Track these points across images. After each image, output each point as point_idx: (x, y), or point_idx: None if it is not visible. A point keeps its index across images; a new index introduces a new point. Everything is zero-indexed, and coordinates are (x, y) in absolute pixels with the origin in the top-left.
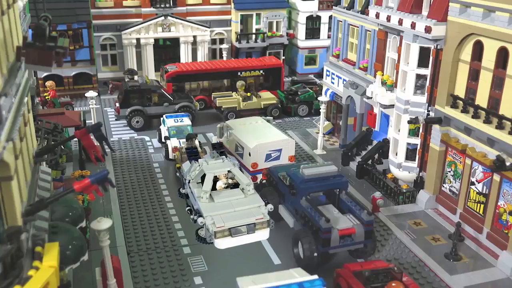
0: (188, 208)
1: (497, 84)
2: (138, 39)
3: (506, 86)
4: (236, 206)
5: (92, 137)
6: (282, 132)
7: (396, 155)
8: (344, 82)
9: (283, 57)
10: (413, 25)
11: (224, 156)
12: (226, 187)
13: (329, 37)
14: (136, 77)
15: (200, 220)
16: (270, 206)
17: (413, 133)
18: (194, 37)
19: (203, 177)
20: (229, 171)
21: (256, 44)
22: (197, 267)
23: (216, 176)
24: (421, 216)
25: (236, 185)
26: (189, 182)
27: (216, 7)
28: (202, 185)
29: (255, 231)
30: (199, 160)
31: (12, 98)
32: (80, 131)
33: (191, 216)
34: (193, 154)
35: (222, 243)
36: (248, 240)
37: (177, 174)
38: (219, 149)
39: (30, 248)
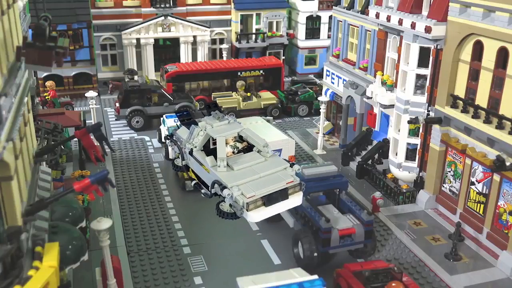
0: (195, 182)
1: (497, 84)
2: (138, 39)
3: (506, 86)
4: (260, 171)
5: (92, 137)
6: (282, 132)
7: (396, 155)
8: (344, 82)
9: (283, 57)
10: (413, 25)
11: (229, 115)
12: (237, 153)
13: (329, 37)
14: (136, 77)
15: (226, 192)
16: (297, 167)
17: (413, 133)
18: (194, 37)
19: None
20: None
21: (256, 44)
22: (197, 267)
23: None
24: (421, 216)
25: (246, 150)
26: (191, 152)
27: (216, 7)
28: (206, 153)
29: (288, 197)
30: (199, 123)
31: (12, 98)
32: (80, 131)
33: (202, 191)
34: (185, 117)
35: (255, 216)
36: (282, 208)
37: (167, 142)
38: (215, 109)
39: (30, 248)
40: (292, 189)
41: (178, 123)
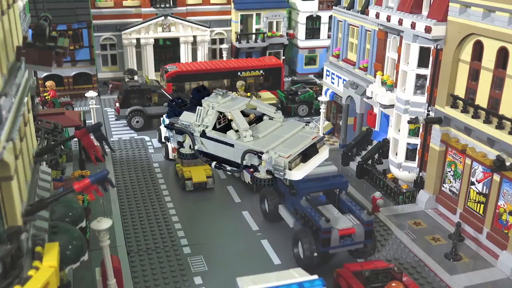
0: (215, 163)
1: (497, 84)
2: (138, 39)
3: (506, 86)
4: (283, 134)
5: (92, 137)
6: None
7: (396, 155)
8: (344, 82)
9: (283, 57)
10: (413, 25)
11: (228, 92)
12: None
13: (329, 37)
14: (136, 77)
15: (265, 156)
16: (311, 125)
17: (413, 133)
18: (194, 37)
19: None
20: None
21: (256, 44)
22: (197, 267)
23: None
24: (421, 216)
25: (256, 121)
26: (203, 134)
27: (216, 7)
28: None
29: (318, 151)
30: (204, 104)
31: (12, 98)
32: (80, 131)
33: (228, 169)
34: (181, 104)
35: (298, 173)
36: (317, 162)
37: (168, 133)
38: (204, 92)
39: (30, 248)
40: (319, 144)
41: (167, 121)
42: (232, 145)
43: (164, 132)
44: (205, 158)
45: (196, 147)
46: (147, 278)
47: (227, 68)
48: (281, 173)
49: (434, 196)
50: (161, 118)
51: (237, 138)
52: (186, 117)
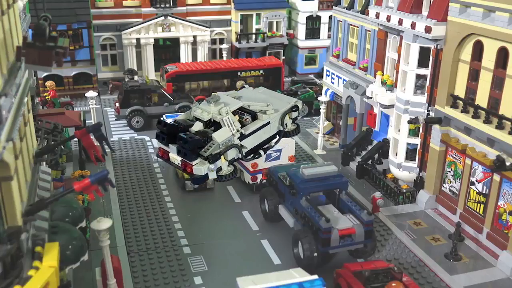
0: (257, 154)
1: (497, 84)
2: (138, 39)
3: (506, 86)
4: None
5: (92, 137)
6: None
7: (396, 155)
8: (344, 82)
9: (283, 57)
10: (413, 25)
11: (218, 96)
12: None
13: (329, 37)
14: (136, 77)
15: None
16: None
17: (413, 133)
18: (194, 37)
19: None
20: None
21: (256, 44)
22: (197, 267)
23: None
24: (421, 216)
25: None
26: (242, 137)
27: (216, 7)
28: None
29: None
30: (217, 118)
31: (12, 98)
32: (80, 131)
33: (262, 152)
34: (178, 129)
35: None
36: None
37: (209, 170)
38: (166, 126)
39: (30, 248)
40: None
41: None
42: (268, 123)
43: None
44: (249, 157)
45: (239, 155)
46: (147, 278)
47: (227, 68)
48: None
49: (434, 196)
50: (161, 118)
51: (265, 114)
52: (222, 136)
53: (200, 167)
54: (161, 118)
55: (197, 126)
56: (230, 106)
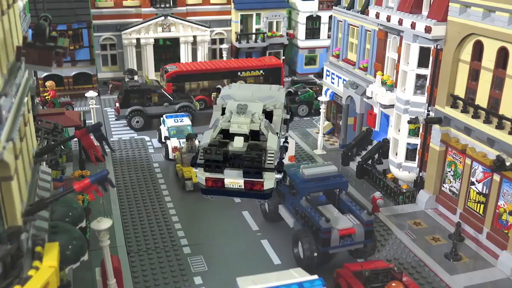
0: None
1: (497, 84)
2: (138, 39)
3: (506, 86)
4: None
5: (92, 137)
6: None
7: (396, 155)
8: (344, 82)
9: (283, 57)
10: (413, 25)
11: (245, 105)
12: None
13: (329, 37)
14: (136, 77)
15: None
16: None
17: (413, 133)
18: (194, 37)
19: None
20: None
21: (256, 44)
22: (197, 267)
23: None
24: (421, 216)
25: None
26: (285, 121)
27: (216, 7)
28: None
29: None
30: (255, 116)
31: (12, 98)
32: (80, 131)
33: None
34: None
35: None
36: None
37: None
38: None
39: (30, 248)
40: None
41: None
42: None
43: (164, 132)
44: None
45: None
46: (147, 278)
47: (227, 68)
48: None
49: (434, 196)
50: (161, 118)
51: (276, 109)
52: (274, 142)
53: (270, 180)
54: (205, 147)
55: (239, 142)
56: (258, 111)
